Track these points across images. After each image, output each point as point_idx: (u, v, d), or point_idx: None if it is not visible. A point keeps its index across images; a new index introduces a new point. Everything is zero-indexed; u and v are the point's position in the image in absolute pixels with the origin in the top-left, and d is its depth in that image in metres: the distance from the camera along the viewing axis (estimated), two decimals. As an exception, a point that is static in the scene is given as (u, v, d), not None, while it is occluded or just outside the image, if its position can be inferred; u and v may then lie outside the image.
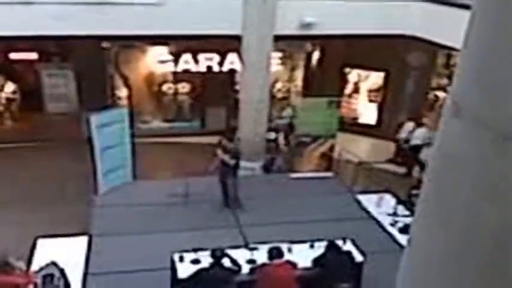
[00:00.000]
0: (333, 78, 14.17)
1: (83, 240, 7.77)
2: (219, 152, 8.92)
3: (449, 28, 7.01)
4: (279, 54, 14.03)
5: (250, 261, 6.76)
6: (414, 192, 8.61)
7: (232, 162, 8.91)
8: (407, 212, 8.75)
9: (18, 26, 9.64)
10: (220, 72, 13.70)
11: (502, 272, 1.95)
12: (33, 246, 7.42)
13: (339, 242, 6.97)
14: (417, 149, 11.46)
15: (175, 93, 14.23)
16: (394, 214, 8.87)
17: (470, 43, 1.98)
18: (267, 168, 11.20)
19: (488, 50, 1.86)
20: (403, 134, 12.07)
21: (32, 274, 6.06)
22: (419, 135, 11.53)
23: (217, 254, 6.23)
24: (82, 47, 11.96)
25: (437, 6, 10.69)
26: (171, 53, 13.44)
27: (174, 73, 13.83)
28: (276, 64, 13.71)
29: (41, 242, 7.53)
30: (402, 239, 7.96)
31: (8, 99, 14.00)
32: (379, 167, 11.56)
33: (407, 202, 8.94)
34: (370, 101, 14.62)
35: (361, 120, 14.75)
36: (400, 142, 12.22)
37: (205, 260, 6.47)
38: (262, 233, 8.07)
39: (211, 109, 14.12)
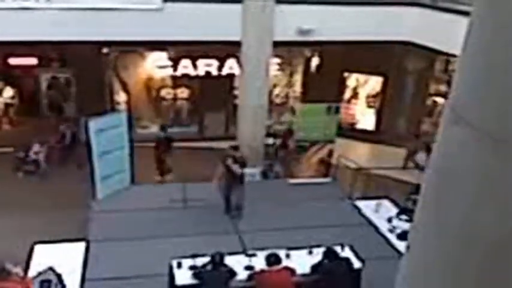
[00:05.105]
0: (331, 83, 14.18)
1: (81, 245, 7.73)
2: (230, 161, 8.70)
3: (447, 34, 7.04)
4: (278, 60, 14.05)
5: (249, 268, 6.73)
6: (413, 197, 8.59)
7: (239, 171, 8.75)
8: (406, 218, 8.73)
9: (18, 31, 9.65)
10: (219, 77, 13.70)
11: (500, 281, 1.93)
12: (31, 252, 7.37)
13: (337, 248, 6.96)
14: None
15: (174, 98, 14.24)
16: (393, 220, 8.86)
17: (469, 49, 1.98)
18: (265, 174, 11.18)
19: (487, 56, 1.85)
20: None
21: (29, 280, 6.03)
22: None
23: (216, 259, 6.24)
24: (81, 52, 11.97)
25: (435, 12, 10.74)
26: (170, 58, 13.44)
27: (173, 78, 13.84)
28: (274, 69, 13.72)
29: (38, 248, 7.48)
30: (401, 245, 7.92)
31: (6, 104, 13.99)
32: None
33: (406, 208, 8.92)
34: (369, 106, 14.64)
35: (360, 126, 14.76)
36: None
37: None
38: (260, 239, 8.05)
39: (210, 114, 14.11)
